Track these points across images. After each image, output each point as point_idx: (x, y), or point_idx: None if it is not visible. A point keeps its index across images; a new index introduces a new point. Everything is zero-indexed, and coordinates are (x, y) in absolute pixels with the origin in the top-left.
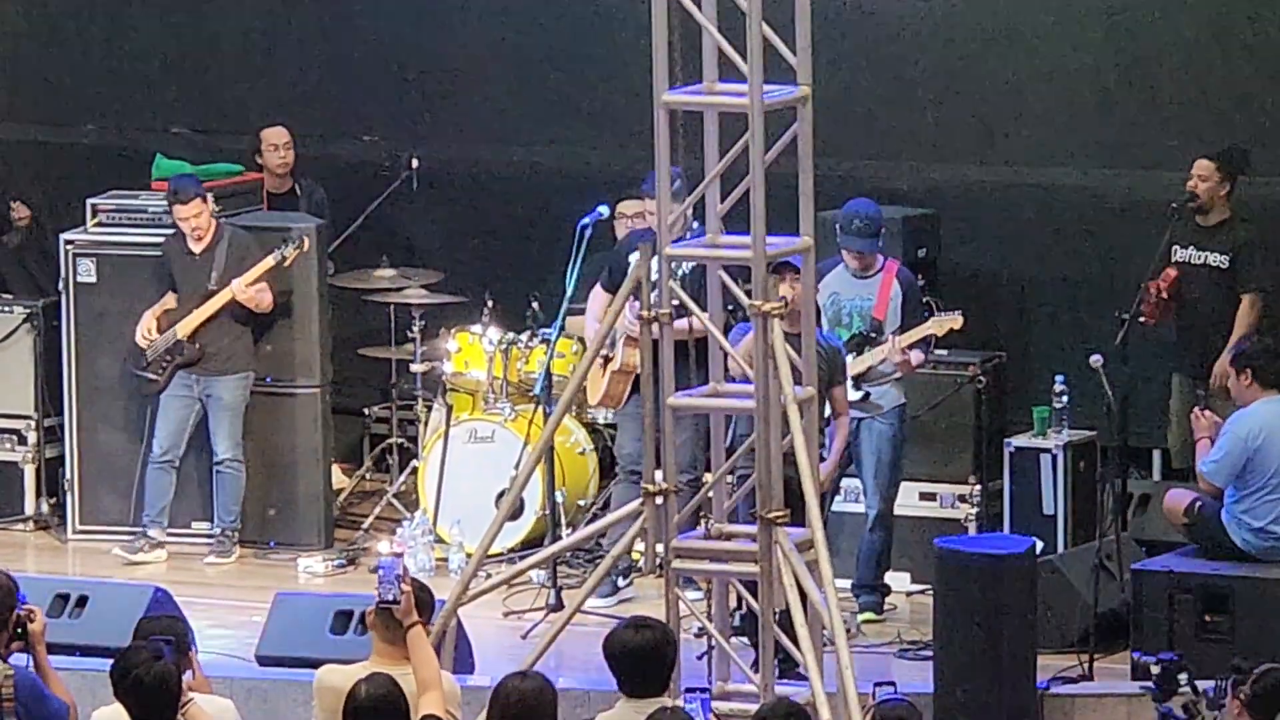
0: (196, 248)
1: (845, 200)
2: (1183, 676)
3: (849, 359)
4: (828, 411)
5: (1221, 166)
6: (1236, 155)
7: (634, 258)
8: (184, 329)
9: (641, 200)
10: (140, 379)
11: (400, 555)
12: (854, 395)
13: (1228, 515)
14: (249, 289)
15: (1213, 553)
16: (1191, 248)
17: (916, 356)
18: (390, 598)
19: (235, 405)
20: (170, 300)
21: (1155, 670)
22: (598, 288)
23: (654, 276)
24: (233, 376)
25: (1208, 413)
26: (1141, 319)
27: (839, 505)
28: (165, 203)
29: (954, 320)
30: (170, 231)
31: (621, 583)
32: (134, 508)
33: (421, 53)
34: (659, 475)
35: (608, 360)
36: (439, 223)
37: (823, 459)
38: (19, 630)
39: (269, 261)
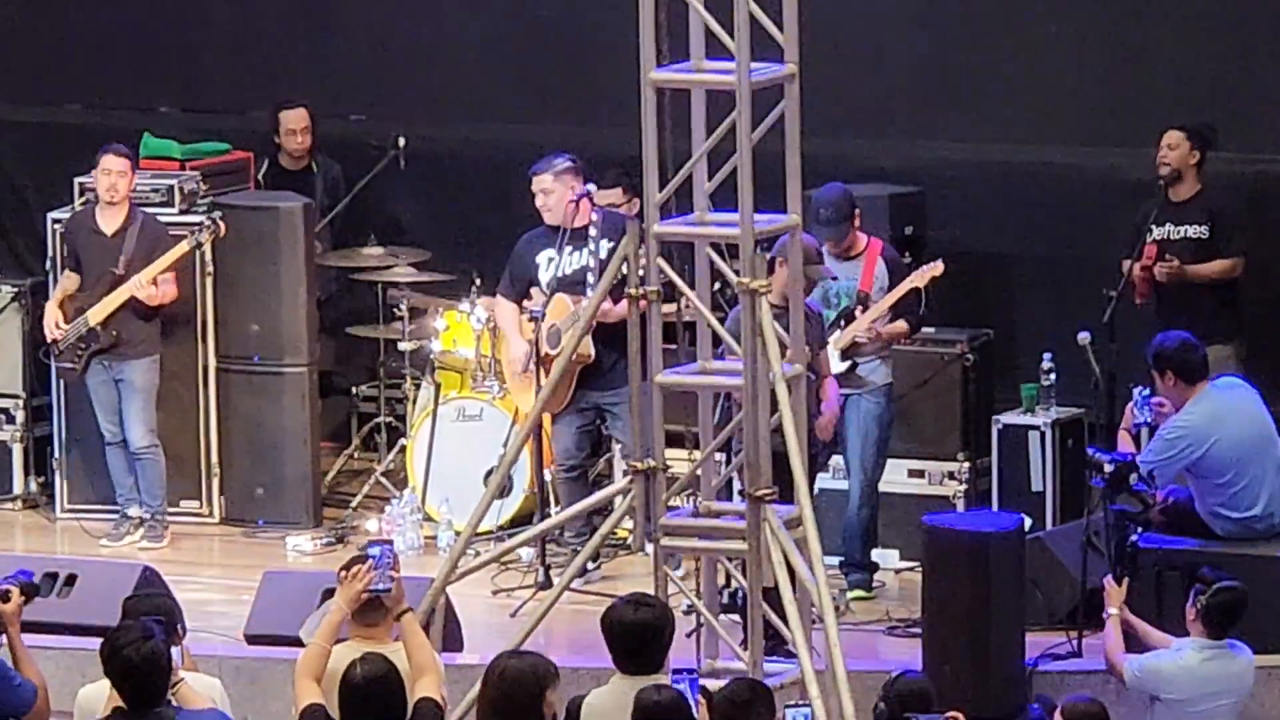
0: (107, 226)
1: (832, 178)
2: (1133, 477)
3: (835, 334)
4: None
5: (1190, 136)
6: (1205, 130)
7: (541, 258)
8: (95, 317)
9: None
10: (58, 368)
11: (390, 543)
12: (841, 367)
13: (1203, 509)
14: (148, 286)
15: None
16: (1169, 224)
17: (899, 326)
18: (382, 586)
19: (147, 388)
20: (70, 282)
21: (1109, 469)
22: (500, 298)
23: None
24: (143, 360)
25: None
26: (1137, 301)
27: (827, 483)
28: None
29: (934, 268)
30: (68, 214)
31: (590, 565)
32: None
33: (408, 31)
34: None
35: (540, 363)
36: (426, 201)
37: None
38: None
39: (182, 247)
